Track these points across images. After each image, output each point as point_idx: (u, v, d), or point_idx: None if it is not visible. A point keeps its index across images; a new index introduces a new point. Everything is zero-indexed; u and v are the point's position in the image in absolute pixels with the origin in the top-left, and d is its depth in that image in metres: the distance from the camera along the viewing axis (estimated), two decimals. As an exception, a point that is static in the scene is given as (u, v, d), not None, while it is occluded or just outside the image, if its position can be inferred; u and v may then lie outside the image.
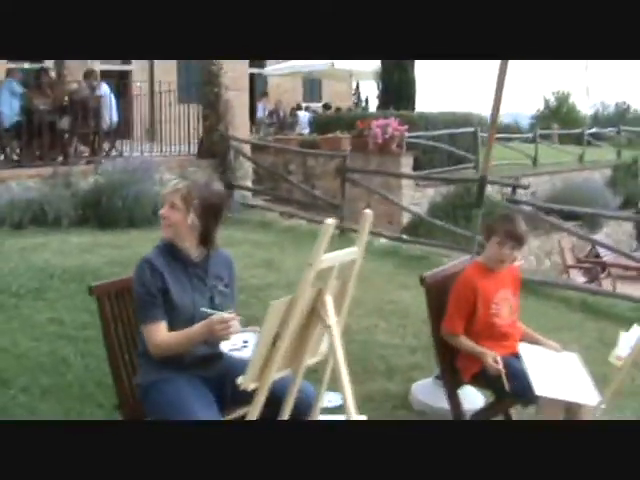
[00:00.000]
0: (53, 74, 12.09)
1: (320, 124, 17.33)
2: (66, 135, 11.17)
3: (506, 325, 3.86)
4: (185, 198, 3.20)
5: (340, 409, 3.06)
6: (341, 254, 2.92)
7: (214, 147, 11.39)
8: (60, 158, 10.78)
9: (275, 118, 21.21)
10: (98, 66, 21.19)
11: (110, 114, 11.82)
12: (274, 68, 22.59)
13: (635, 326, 3.64)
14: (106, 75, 20.87)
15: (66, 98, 11.18)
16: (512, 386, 3.62)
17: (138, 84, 17.77)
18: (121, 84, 20.08)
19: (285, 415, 2.90)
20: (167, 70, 19.47)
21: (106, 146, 11.83)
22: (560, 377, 3.66)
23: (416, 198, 13.41)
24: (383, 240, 9.43)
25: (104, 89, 11.87)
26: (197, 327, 3.10)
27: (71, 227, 9.37)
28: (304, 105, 22.99)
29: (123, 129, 12.60)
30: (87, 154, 11.34)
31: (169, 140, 12.54)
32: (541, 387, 3.52)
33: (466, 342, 3.80)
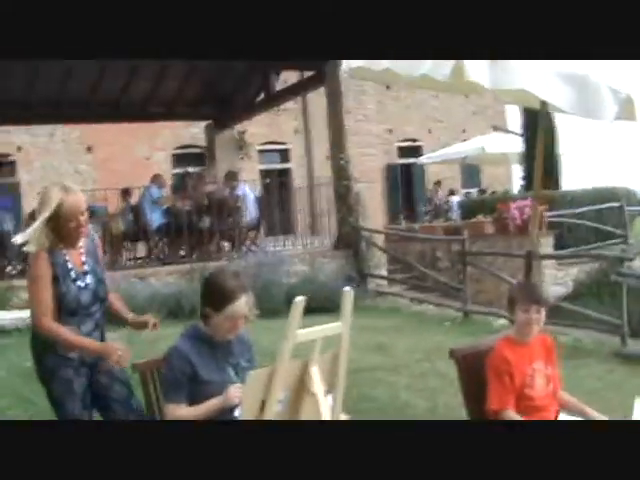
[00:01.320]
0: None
1: (467, 209, 17.37)
2: (207, 233, 11.82)
3: (540, 397, 3.80)
4: (250, 309, 3.51)
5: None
6: (323, 328, 3.09)
7: (346, 238, 11.70)
8: (196, 255, 11.41)
9: (431, 205, 21.45)
10: (257, 166, 22.56)
11: (250, 212, 12.43)
12: (428, 156, 22.91)
13: None
14: (266, 173, 22.18)
15: (205, 200, 11.87)
16: None
17: (298, 180, 18.60)
18: (278, 181, 21.24)
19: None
20: (323, 164, 20.30)
21: (248, 242, 12.42)
22: None
23: (559, 277, 13.09)
24: (502, 321, 9.30)
25: (243, 188, 12.53)
26: (216, 398, 3.33)
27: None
28: (463, 191, 23.13)
29: (265, 225, 13.16)
30: (229, 250, 11.90)
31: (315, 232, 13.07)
32: None
33: (514, 416, 3.74)
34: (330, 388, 3.19)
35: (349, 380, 6.48)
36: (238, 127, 17.99)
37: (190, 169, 17.33)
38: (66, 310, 3.65)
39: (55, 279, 3.62)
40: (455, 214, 19.46)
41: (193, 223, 11.72)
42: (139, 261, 12.35)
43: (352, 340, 7.36)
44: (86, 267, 3.75)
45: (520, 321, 3.85)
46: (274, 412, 2.97)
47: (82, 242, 3.75)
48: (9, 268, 11.03)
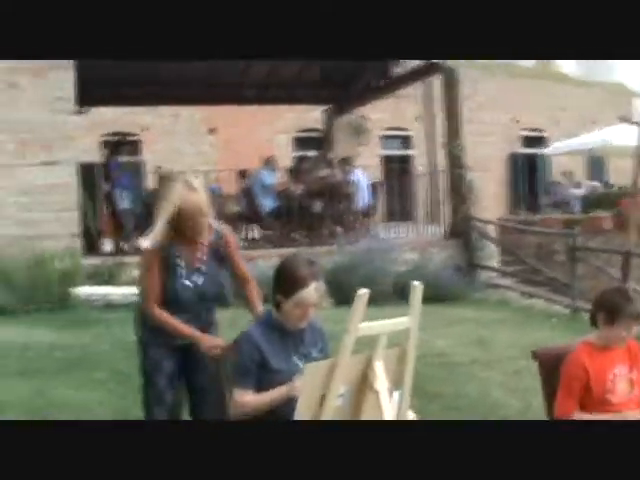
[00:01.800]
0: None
1: (589, 202, 16.86)
2: (319, 218, 11.88)
3: (622, 403, 3.65)
4: (321, 297, 3.47)
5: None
6: (388, 323, 3.03)
7: (458, 228, 11.54)
8: (308, 239, 11.48)
9: (556, 196, 20.93)
10: (379, 151, 22.51)
11: (363, 197, 12.42)
12: (554, 147, 22.28)
13: None
14: (389, 160, 22.09)
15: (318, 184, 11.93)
16: None
17: (420, 167, 18.46)
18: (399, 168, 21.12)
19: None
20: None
21: (360, 228, 12.42)
22: None
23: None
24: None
25: (357, 174, 12.52)
26: (281, 387, 3.34)
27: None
28: (589, 183, 22.42)
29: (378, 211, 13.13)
30: (341, 235, 11.92)
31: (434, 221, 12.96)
32: None
33: (581, 417, 3.62)
34: (396, 385, 3.14)
35: (445, 374, 6.48)
36: (358, 112, 18.00)
37: (310, 153, 17.44)
38: (168, 304, 3.79)
39: (163, 273, 3.75)
40: (577, 207, 18.92)
41: (305, 207, 11.78)
42: (251, 243, 12.52)
43: (455, 332, 7.33)
44: (200, 265, 3.84)
45: (611, 335, 3.68)
46: (333, 407, 2.95)
47: (204, 239, 3.81)
48: (123, 244, 11.42)
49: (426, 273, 10.22)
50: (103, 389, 5.84)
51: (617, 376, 3.66)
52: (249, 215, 12.59)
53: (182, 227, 3.69)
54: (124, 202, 11.31)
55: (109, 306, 8.68)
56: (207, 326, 3.98)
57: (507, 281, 12.00)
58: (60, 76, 9.78)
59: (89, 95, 13.84)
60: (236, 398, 3.38)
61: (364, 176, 12.77)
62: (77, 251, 9.78)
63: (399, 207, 20.87)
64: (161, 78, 13.26)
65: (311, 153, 17.57)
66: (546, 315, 9.58)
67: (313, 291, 3.34)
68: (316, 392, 2.92)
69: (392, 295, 9.93)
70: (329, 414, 2.93)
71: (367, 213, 12.63)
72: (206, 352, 3.78)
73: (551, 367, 3.80)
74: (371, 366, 2.99)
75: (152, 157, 20.38)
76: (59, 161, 9.85)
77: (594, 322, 3.77)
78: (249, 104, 16.90)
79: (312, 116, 17.79)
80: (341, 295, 9.89)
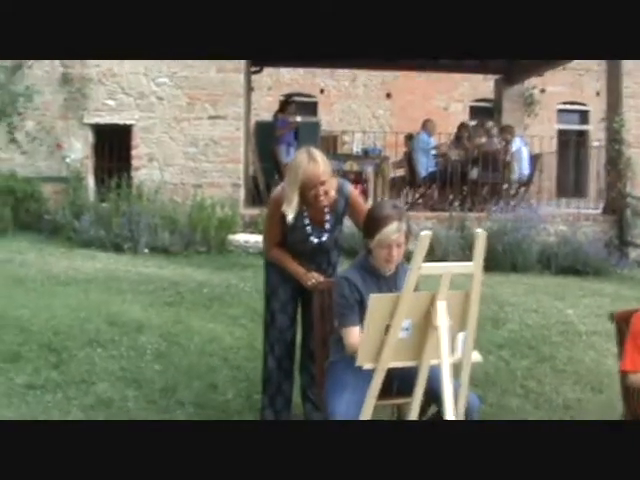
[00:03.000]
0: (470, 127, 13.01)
1: None
2: (475, 184, 12.00)
3: None
4: (406, 235, 3.77)
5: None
6: (450, 265, 3.30)
7: (613, 204, 11.34)
8: (464, 205, 11.64)
9: None
10: (555, 125, 22.07)
11: (521, 167, 12.39)
12: None
13: None
14: (564, 133, 21.62)
15: (476, 151, 12.00)
16: None
17: (596, 143, 18.04)
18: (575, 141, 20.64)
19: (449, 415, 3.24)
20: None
21: (515, 197, 12.43)
22: None
23: None
24: None
25: (517, 144, 12.49)
26: None
27: (460, 264, 10.16)
28: None
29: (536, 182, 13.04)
30: (494, 202, 11.98)
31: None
32: None
33: None
34: (461, 327, 3.40)
35: (564, 340, 6.56)
36: (533, 84, 17.79)
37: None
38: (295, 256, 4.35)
39: (289, 229, 4.26)
40: None
41: (462, 173, 11.92)
42: (408, 206, 12.80)
43: (588, 303, 7.32)
44: (327, 225, 4.33)
45: None
46: (397, 338, 3.25)
47: (329, 200, 4.22)
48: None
49: (574, 245, 10.19)
50: (235, 323, 6.36)
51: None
52: (410, 178, 12.88)
53: (306, 194, 4.12)
54: (288, 158, 11.81)
55: (262, 253, 9.25)
56: (327, 269, 4.47)
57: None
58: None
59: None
60: (346, 338, 3.68)
61: (526, 147, 12.69)
62: (238, 201, 10.42)
63: (573, 182, 20.53)
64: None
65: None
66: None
67: (394, 230, 3.60)
68: (381, 322, 3.23)
69: (536, 264, 10.00)
70: (393, 345, 3.24)
71: (525, 183, 12.57)
72: (310, 287, 4.19)
73: (621, 324, 3.92)
74: (434, 304, 3.25)
75: (328, 118, 20.99)
76: (226, 116, 10.50)
77: None
78: (420, 71, 17.12)
79: (488, 86, 17.74)
80: (487, 259, 10.05)
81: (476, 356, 3.52)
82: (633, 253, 11.30)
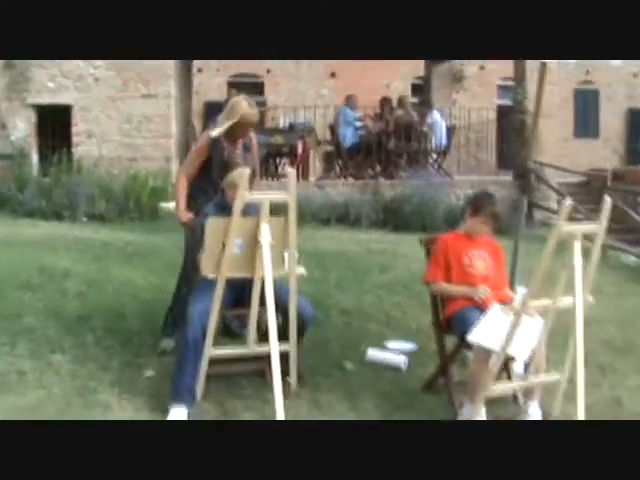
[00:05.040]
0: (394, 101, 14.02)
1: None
2: (393, 154, 13.07)
3: (480, 277, 4.74)
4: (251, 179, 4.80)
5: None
6: (269, 194, 4.33)
7: (520, 169, 12.42)
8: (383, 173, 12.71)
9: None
10: (495, 101, 23.15)
11: (439, 138, 13.48)
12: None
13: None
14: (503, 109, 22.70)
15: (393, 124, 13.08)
16: (462, 329, 4.52)
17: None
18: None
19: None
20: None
21: (432, 165, 13.52)
22: (503, 333, 4.17)
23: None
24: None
25: (435, 116, 13.56)
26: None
27: (370, 228, 11.26)
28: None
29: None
30: (408, 170, 13.06)
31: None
32: (476, 335, 4.29)
33: (449, 286, 4.77)
34: (284, 246, 4.44)
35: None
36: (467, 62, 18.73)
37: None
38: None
39: (210, 158, 5.29)
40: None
41: (381, 144, 12.97)
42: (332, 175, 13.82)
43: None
44: (238, 152, 5.37)
45: (473, 228, 4.86)
46: (233, 253, 4.29)
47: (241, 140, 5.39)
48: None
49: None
50: (150, 272, 7.35)
51: (474, 256, 4.80)
52: (335, 150, 13.89)
53: (237, 131, 5.26)
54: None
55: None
56: None
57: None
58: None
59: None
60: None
61: (442, 119, 13.75)
62: (169, 172, 11.42)
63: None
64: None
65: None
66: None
67: (238, 174, 4.57)
68: (218, 240, 4.26)
69: (443, 224, 11.07)
70: (228, 258, 4.27)
71: (441, 152, 13.64)
72: (182, 223, 5.23)
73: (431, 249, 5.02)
74: (259, 226, 4.29)
75: (274, 98, 21.88)
76: (157, 95, 11.50)
77: (462, 216, 4.93)
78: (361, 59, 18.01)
79: (427, 64, 18.65)
80: (397, 221, 11.16)
81: (301, 271, 4.57)
82: (538, 214, 12.43)
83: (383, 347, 5.70)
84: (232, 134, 5.29)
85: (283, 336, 4.49)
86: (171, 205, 10.63)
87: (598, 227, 4.13)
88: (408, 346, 5.69)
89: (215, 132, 5.28)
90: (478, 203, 4.86)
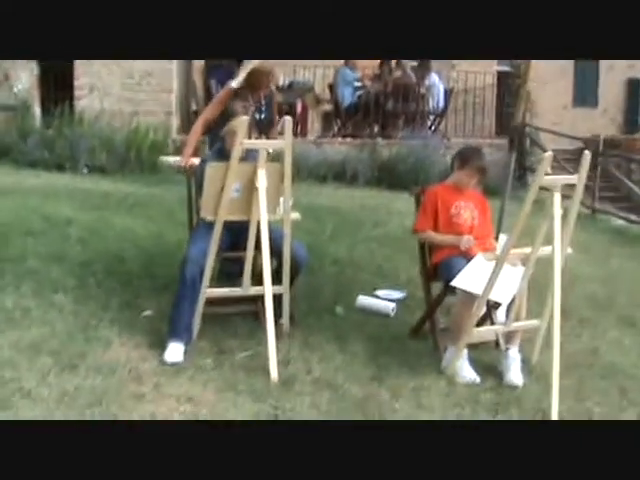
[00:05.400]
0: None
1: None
2: (391, 115, 13.24)
3: (467, 227, 4.97)
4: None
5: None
6: (268, 142, 4.56)
7: (513, 133, 12.59)
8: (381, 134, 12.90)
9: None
10: (495, 67, 23.22)
11: (437, 100, 13.63)
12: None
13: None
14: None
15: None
16: (447, 276, 4.75)
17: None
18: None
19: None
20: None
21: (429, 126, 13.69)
22: (486, 279, 4.40)
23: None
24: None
25: (433, 79, 13.70)
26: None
27: (366, 186, 11.48)
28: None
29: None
30: (406, 130, 13.22)
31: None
32: (459, 281, 4.54)
33: (436, 235, 5.01)
34: (281, 191, 4.65)
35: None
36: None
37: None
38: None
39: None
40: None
41: (380, 105, 13.13)
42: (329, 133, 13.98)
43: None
44: (260, 106, 5.77)
45: (460, 180, 5.12)
46: (230, 197, 4.50)
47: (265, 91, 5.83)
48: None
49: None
50: (150, 221, 7.56)
51: (461, 207, 5.03)
52: (334, 110, 14.03)
53: (253, 80, 5.59)
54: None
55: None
56: None
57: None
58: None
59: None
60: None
61: (440, 81, 13.88)
62: (170, 127, 11.59)
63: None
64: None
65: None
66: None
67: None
68: (217, 184, 4.47)
69: (438, 182, 11.26)
70: (227, 201, 4.48)
71: (439, 115, 13.80)
72: (183, 170, 5.45)
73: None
74: (255, 172, 4.50)
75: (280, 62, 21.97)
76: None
77: (452, 168, 5.13)
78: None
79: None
80: (393, 179, 11.38)
81: (295, 215, 4.79)
82: (530, 178, 12.62)
83: (373, 294, 5.92)
84: (251, 85, 5.61)
85: (277, 279, 4.71)
86: (171, 159, 10.84)
87: (577, 178, 4.33)
88: (397, 294, 5.92)
89: (235, 83, 5.59)
90: (465, 156, 5.08)
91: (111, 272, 5.98)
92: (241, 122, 4.38)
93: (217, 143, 5.19)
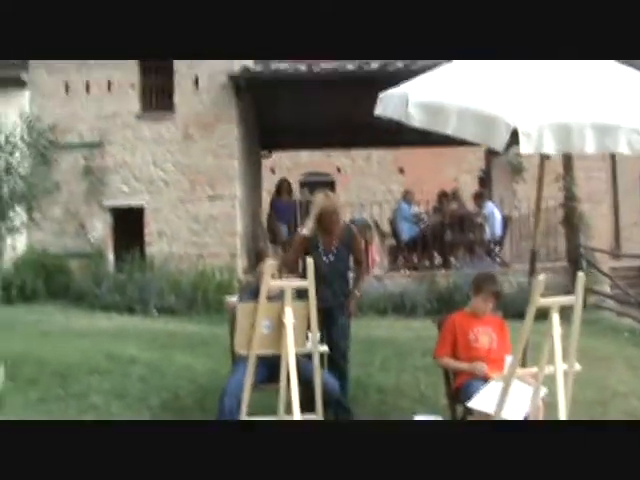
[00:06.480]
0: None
1: None
2: (450, 245, 13.63)
3: (484, 351, 5.25)
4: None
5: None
6: (292, 282, 4.96)
7: (570, 255, 12.82)
8: (432, 263, 13.25)
9: None
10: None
11: (494, 229, 13.99)
12: None
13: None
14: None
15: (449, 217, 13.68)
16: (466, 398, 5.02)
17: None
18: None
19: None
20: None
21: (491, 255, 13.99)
22: (495, 398, 4.59)
23: None
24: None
25: (490, 207, 14.11)
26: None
27: (426, 316, 11.73)
28: None
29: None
30: (463, 260, 13.56)
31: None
32: (475, 402, 4.82)
33: (452, 362, 5.31)
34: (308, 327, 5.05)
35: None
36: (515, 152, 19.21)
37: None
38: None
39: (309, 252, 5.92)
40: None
41: (439, 236, 13.56)
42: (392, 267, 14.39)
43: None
44: (333, 249, 6.05)
45: (477, 306, 5.40)
46: (261, 333, 4.91)
47: (338, 232, 6.06)
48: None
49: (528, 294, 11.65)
50: (210, 357, 8.01)
51: (479, 332, 5.32)
52: (396, 243, 14.50)
53: (322, 223, 5.97)
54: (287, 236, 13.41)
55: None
56: (340, 294, 6.11)
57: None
58: (224, 129, 12.43)
59: (273, 141, 16.52)
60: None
61: (498, 209, 14.27)
62: (234, 268, 12.21)
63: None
64: (355, 124, 14.74)
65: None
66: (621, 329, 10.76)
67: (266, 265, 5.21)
68: (248, 321, 4.89)
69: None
70: (258, 337, 4.89)
71: (497, 243, 14.11)
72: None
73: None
74: (283, 309, 4.91)
75: (345, 196, 22.81)
76: (222, 196, 12.41)
77: (468, 295, 5.47)
78: (434, 146, 18.51)
79: (492, 156, 19.28)
80: (451, 309, 11.56)
81: (324, 348, 5.16)
82: (591, 298, 12.71)
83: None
84: (323, 229, 5.99)
85: (311, 407, 5.04)
86: (234, 299, 11.35)
87: (574, 300, 4.57)
88: (432, 418, 6.12)
89: (306, 230, 6.05)
90: (479, 283, 5.42)
91: (166, 407, 6.39)
92: (268, 266, 4.83)
93: (252, 282, 5.63)
